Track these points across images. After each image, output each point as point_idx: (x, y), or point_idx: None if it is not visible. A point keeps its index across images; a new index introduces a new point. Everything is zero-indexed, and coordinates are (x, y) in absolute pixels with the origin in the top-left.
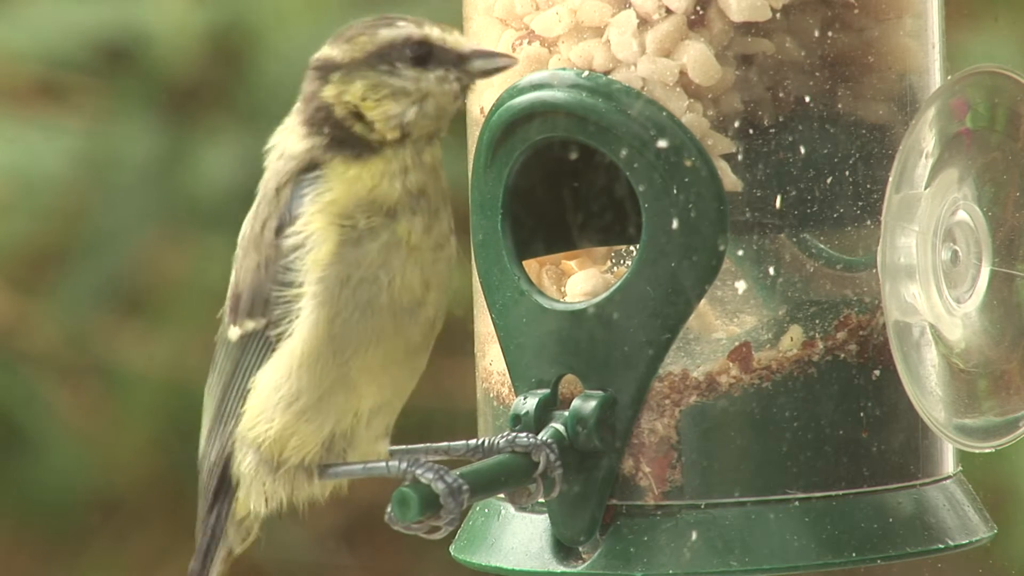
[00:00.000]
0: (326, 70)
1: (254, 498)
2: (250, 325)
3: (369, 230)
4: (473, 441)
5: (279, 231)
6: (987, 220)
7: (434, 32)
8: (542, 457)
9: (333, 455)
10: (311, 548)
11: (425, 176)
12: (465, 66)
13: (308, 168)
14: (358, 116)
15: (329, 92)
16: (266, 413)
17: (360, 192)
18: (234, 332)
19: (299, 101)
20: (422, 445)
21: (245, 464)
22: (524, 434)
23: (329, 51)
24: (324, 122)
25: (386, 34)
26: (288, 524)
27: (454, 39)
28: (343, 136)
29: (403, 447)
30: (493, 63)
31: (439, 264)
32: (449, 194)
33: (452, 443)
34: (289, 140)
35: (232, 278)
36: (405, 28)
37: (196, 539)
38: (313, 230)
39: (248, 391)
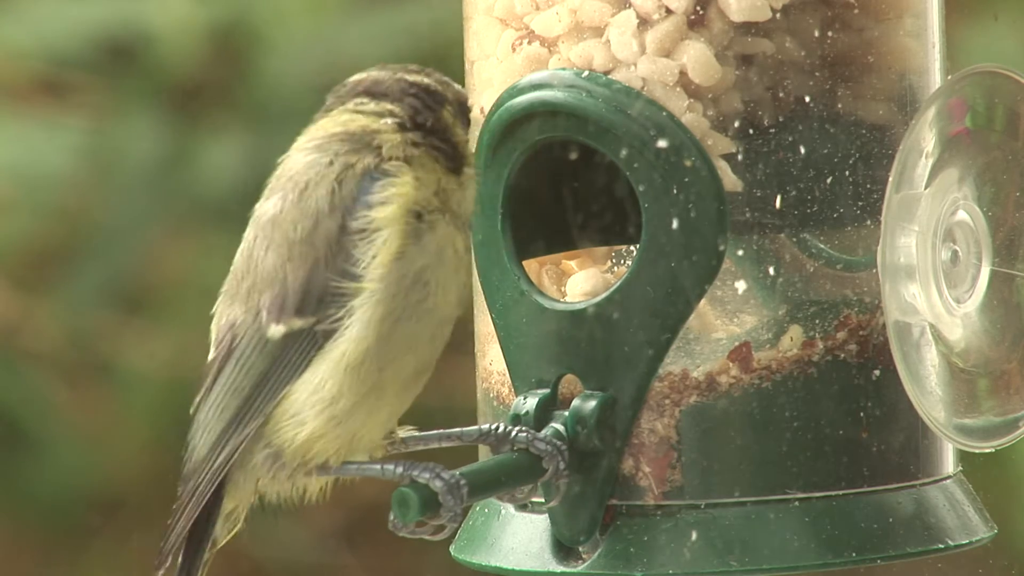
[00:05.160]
0: (439, 99)
1: (246, 493)
2: (298, 324)
3: (429, 224)
4: (486, 426)
5: (343, 226)
6: (987, 220)
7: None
8: (552, 465)
9: (349, 458)
10: (311, 548)
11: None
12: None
13: (373, 167)
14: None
15: (447, 115)
16: (299, 416)
17: (426, 192)
18: (276, 331)
19: (381, 104)
20: (435, 432)
21: (253, 460)
22: (543, 437)
23: (425, 80)
24: (432, 133)
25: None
26: (288, 524)
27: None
28: (446, 149)
29: (415, 433)
30: None
31: (462, 276)
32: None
33: (464, 428)
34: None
35: (273, 276)
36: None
37: (172, 527)
38: (383, 223)
39: (284, 392)
